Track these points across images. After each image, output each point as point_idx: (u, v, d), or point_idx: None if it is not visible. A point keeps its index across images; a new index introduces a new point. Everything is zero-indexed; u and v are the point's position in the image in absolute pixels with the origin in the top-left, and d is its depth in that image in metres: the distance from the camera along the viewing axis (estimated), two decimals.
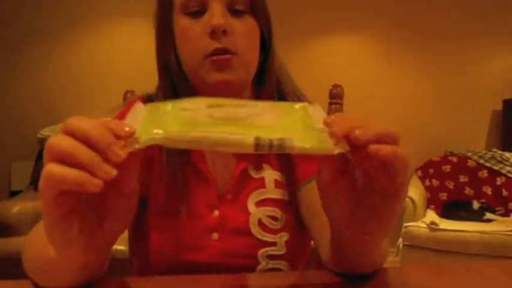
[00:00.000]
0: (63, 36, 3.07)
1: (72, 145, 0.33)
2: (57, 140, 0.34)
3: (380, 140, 0.35)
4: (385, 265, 0.54)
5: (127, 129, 0.35)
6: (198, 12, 0.63)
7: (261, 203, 0.66)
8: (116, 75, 3.06)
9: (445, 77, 3.28)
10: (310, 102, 0.46)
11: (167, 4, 0.66)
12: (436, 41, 3.25)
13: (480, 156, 2.90)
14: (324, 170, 0.40)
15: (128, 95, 1.75)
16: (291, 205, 0.67)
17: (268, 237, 0.64)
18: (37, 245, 0.48)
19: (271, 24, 0.68)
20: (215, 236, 0.64)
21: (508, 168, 2.81)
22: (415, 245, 2.34)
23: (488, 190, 2.80)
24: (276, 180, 0.67)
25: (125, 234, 0.54)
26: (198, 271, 0.55)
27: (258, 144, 0.35)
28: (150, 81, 0.72)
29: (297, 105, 0.44)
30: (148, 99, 0.69)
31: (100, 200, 0.38)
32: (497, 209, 2.70)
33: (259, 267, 0.64)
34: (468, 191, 2.84)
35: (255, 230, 0.64)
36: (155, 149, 0.65)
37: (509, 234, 2.24)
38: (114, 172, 0.33)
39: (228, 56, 0.62)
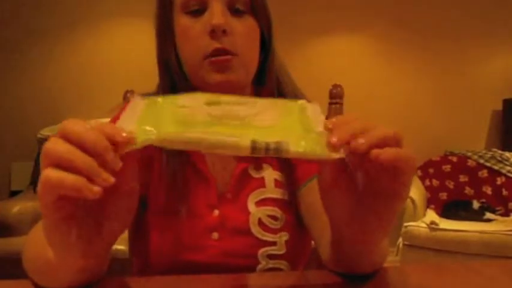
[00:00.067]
0: (63, 36, 3.07)
1: (67, 150, 0.33)
2: (53, 145, 0.34)
3: (381, 144, 0.35)
4: (385, 265, 0.54)
5: (124, 134, 0.34)
6: (198, 11, 0.62)
7: (261, 203, 0.66)
8: (116, 75, 3.05)
9: (445, 77, 3.28)
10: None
11: (167, 3, 0.66)
12: (436, 41, 3.24)
13: (480, 156, 2.90)
14: (324, 170, 0.40)
15: (128, 95, 1.76)
16: (291, 205, 0.66)
17: (268, 237, 0.64)
18: (36, 246, 0.48)
19: (271, 24, 0.68)
20: (215, 235, 0.64)
21: (508, 168, 2.80)
22: (415, 245, 2.34)
23: (488, 190, 2.80)
24: (276, 180, 0.67)
25: (125, 234, 0.54)
26: (198, 271, 0.55)
27: (254, 147, 0.35)
28: (150, 81, 0.72)
29: (296, 104, 0.44)
30: None
31: (98, 205, 0.38)
32: (497, 208, 2.69)
33: (259, 266, 0.64)
34: (468, 190, 2.84)
35: (255, 230, 0.64)
36: (155, 149, 0.65)
37: (509, 234, 2.23)
38: (112, 179, 0.33)
39: (228, 57, 0.61)
